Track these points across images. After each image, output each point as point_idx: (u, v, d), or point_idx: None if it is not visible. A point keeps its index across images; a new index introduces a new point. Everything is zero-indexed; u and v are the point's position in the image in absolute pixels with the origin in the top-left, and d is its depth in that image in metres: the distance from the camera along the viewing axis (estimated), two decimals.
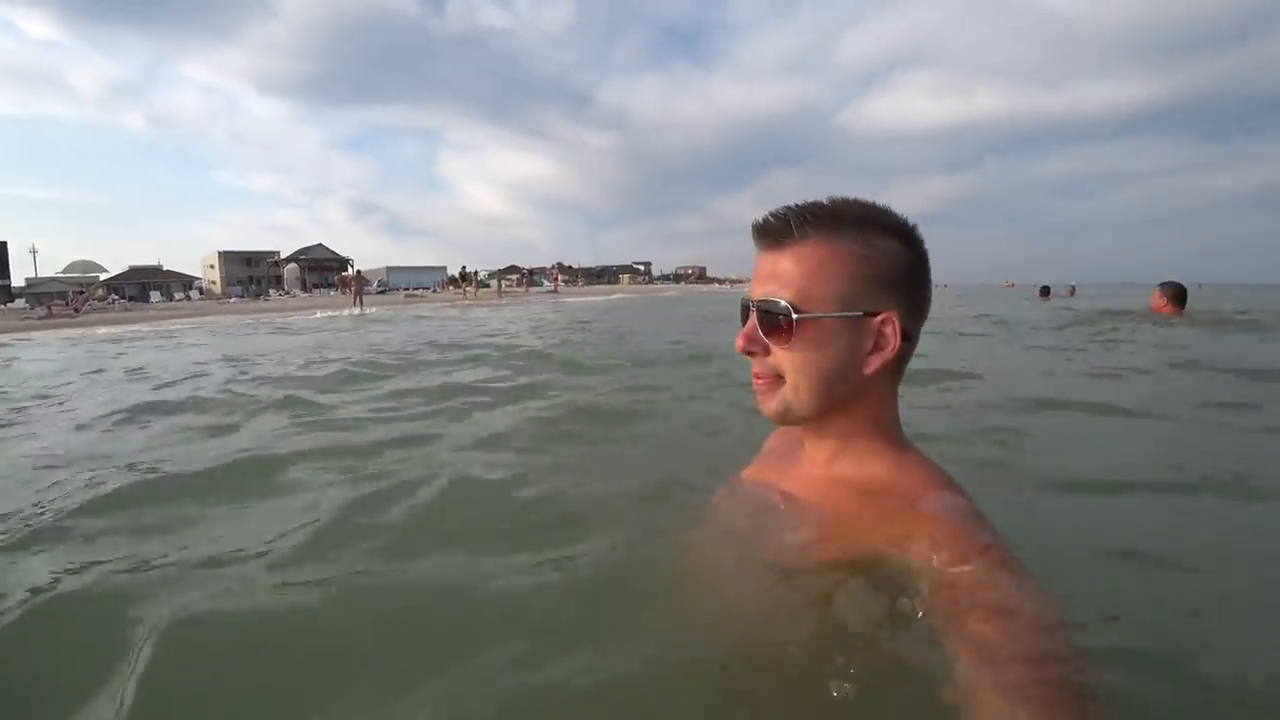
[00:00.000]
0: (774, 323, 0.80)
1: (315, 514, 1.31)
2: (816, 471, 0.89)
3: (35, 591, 1.00)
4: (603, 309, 14.49)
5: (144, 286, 49.31)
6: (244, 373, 4.00)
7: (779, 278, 0.80)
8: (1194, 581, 1.08)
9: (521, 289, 31.05)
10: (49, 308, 21.26)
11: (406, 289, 47.47)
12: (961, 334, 5.93)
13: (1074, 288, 19.44)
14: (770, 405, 0.84)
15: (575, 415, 2.38)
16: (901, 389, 0.87)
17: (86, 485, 1.54)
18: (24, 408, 3.00)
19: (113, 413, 2.62)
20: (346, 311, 15.77)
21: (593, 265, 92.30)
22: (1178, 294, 5.85)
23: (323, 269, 62.07)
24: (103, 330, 11.21)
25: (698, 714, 0.73)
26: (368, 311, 15.55)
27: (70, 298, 26.19)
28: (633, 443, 2.06)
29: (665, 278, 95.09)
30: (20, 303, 31.91)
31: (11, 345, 8.30)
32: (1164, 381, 3.21)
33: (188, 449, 2.05)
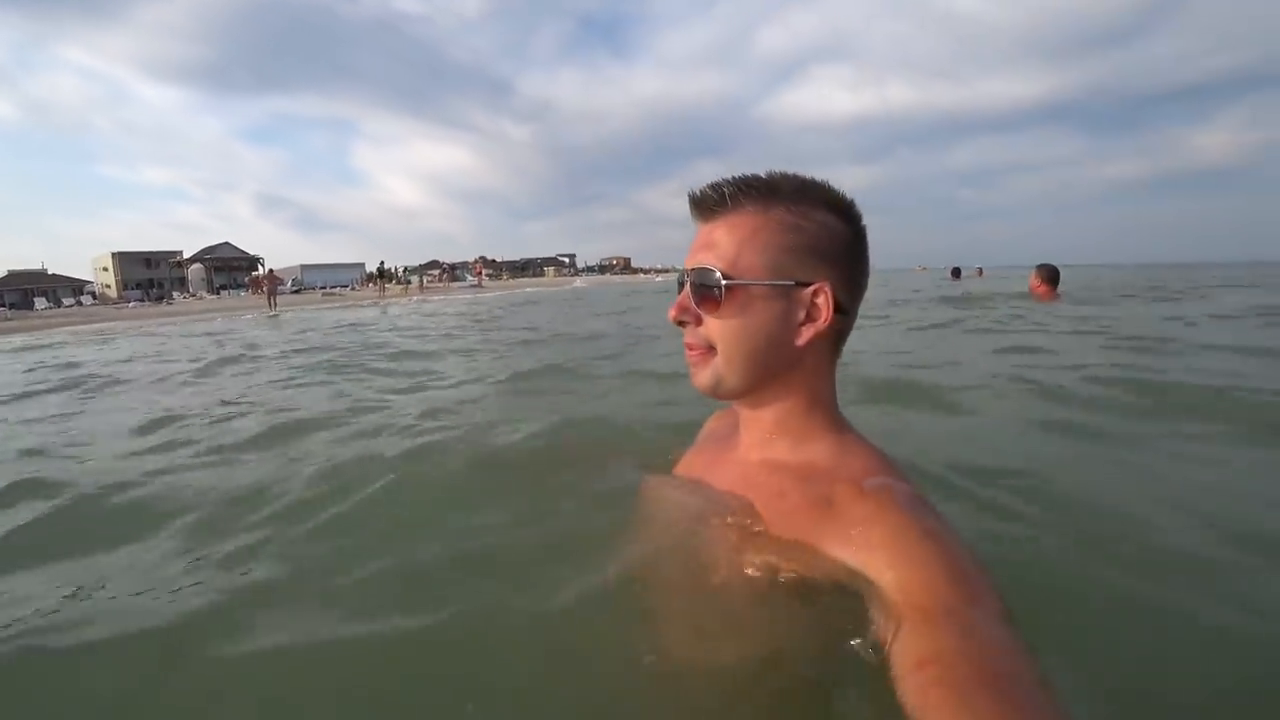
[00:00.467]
0: (706, 292, 0.80)
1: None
2: (752, 455, 0.88)
3: None
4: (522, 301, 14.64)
5: (26, 293, 45.69)
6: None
7: (712, 247, 0.81)
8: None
9: (442, 285, 30.65)
10: None
11: (323, 287, 45.88)
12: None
13: (981, 269, 21.05)
14: (702, 377, 0.84)
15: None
16: None
17: None
18: None
19: None
20: (249, 317, 15.44)
21: (516, 258, 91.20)
22: (1051, 275, 6.59)
23: (231, 269, 58.88)
24: None
25: None
26: (283, 315, 15.30)
27: None
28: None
29: (590, 269, 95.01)
30: None
31: None
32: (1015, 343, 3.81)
33: None
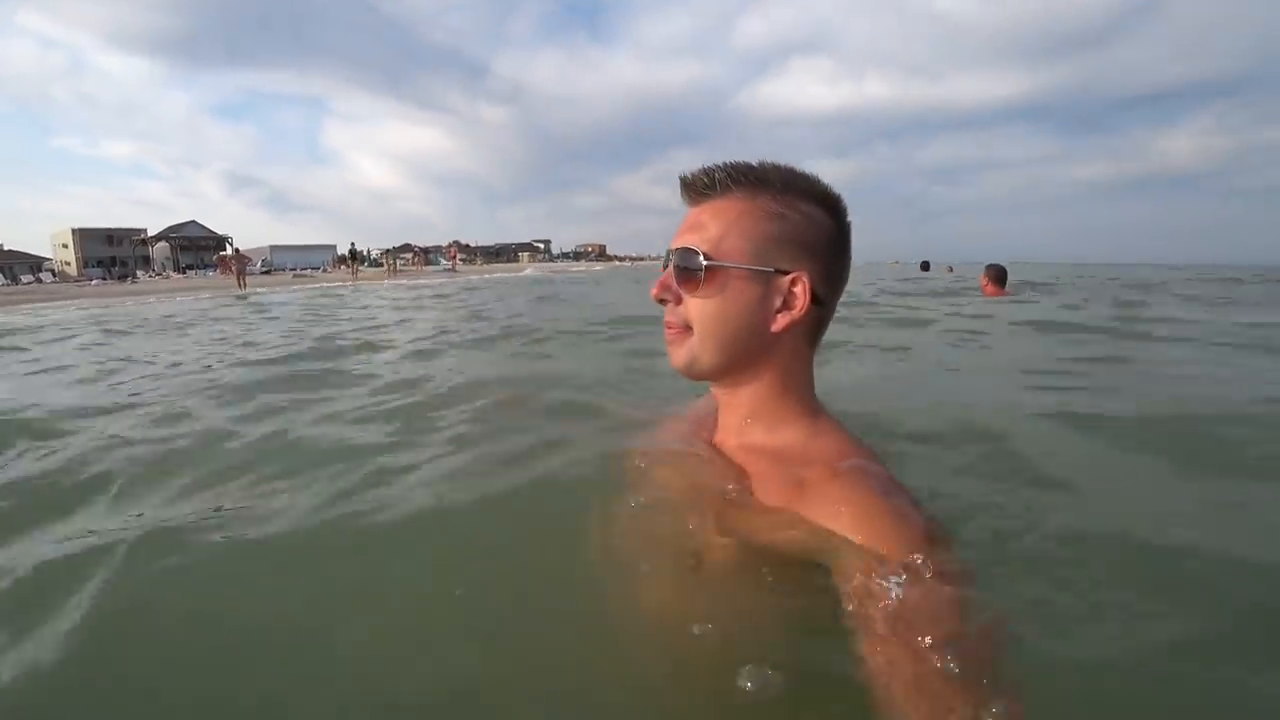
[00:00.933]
0: (687, 273, 0.82)
1: None
2: (729, 440, 0.91)
3: None
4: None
5: None
6: None
7: (698, 229, 0.83)
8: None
9: (416, 268, 30.46)
10: None
11: (293, 269, 45.15)
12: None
13: (951, 267, 21.51)
14: (678, 355, 0.86)
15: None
16: None
17: None
18: None
19: None
20: (207, 297, 15.31)
21: (491, 243, 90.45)
22: (998, 275, 6.97)
23: (198, 248, 57.54)
24: None
25: (617, 702, 0.71)
26: (251, 294, 15.20)
27: None
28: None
29: (565, 255, 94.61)
30: None
31: None
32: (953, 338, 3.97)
33: None
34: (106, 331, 5.07)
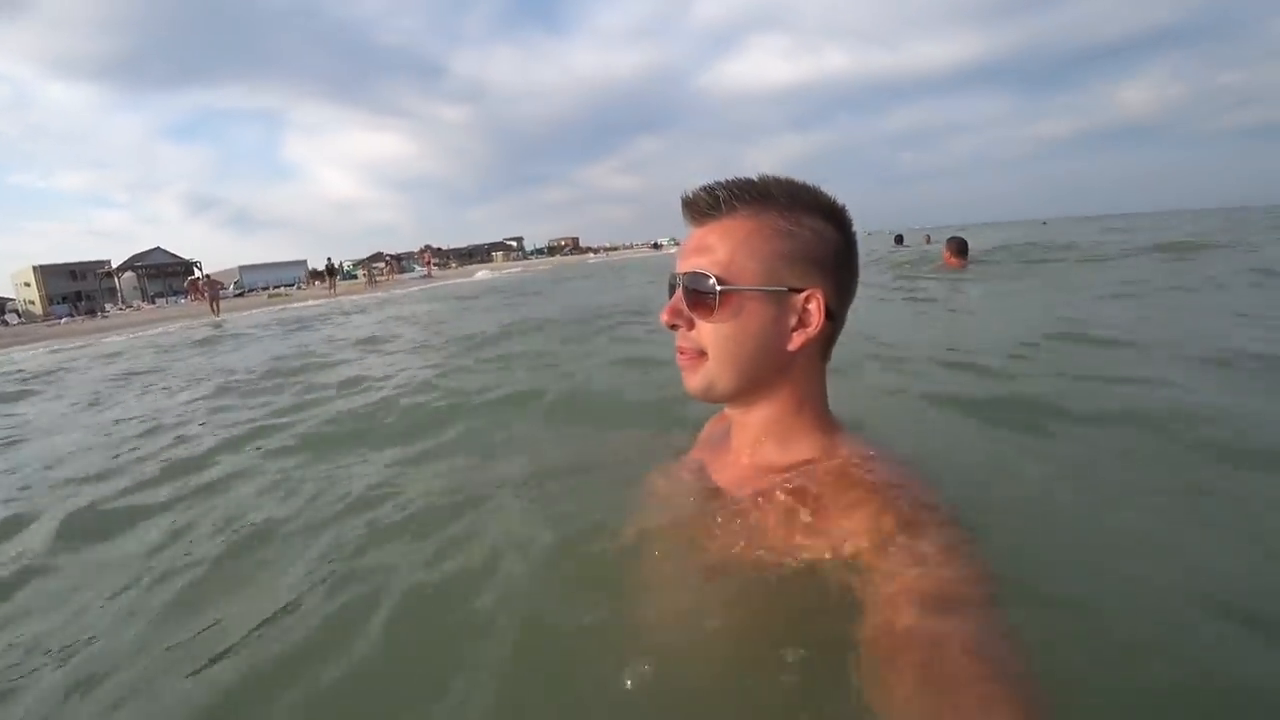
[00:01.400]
0: (699, 296, 0.81)
1: None
2: (744, 459, 0.90)
3: None
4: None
5: None
6: None
7: (706, 251, 0.81)
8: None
9: (388, 277, 30.19)
10: None
11: (266, 288, 44.55)
12: None
13: (929, 236, 20.76)
14: (694, 381, 0.85)
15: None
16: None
17: None
18: None
19: None
20: (177, 327, 15.12)
21: (463, 245, 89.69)
22: (959, 247, 7.18)
23: (166, 275, 56.43)
24: None
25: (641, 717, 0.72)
26: (224, 319, 15.02)
27: None
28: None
29: (539, 251, 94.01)
30: None
31: None
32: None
33: None
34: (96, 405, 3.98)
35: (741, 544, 0.80)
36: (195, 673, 0.93)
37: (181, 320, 16.42)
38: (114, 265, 57.06)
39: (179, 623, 1.09)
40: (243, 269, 63.52)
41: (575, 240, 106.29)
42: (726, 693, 0.72)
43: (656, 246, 78.21)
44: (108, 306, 42.37)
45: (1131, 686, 0.72)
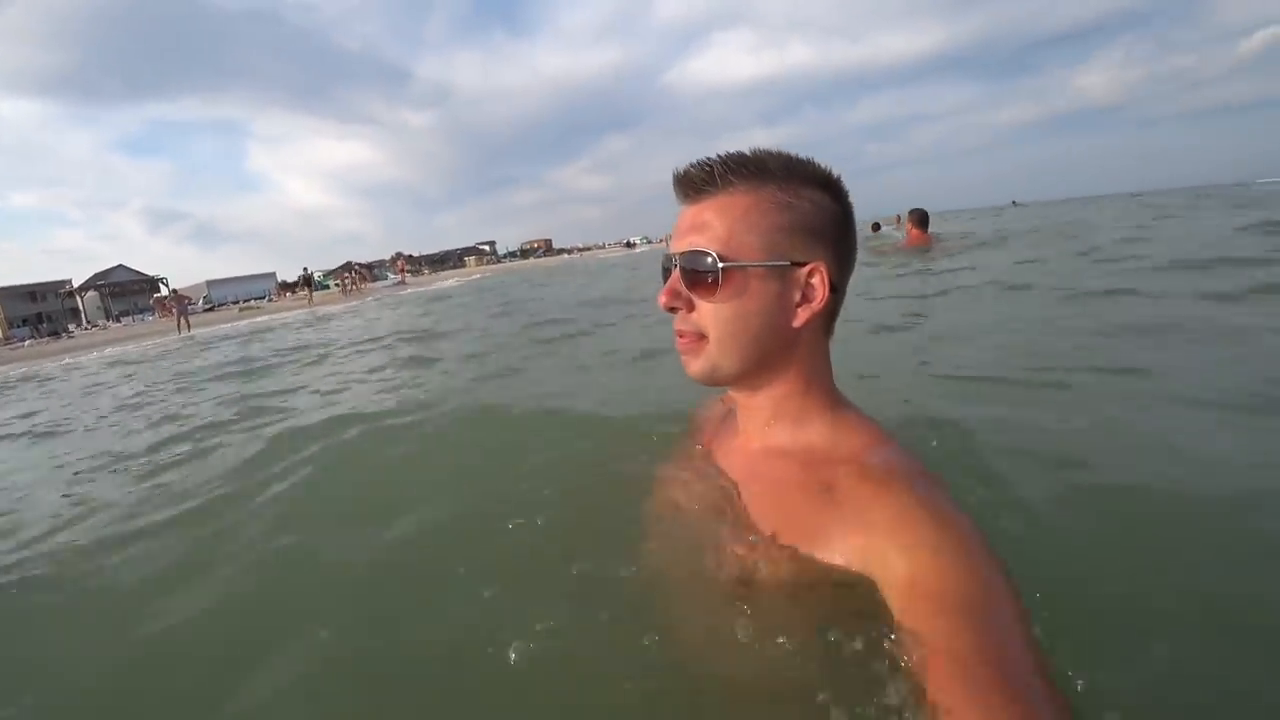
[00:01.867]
0: (699, 276, 0.78)
1: None
2: (753, 443, 0.87)
3: None
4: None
5: None
6: None
7: (703, 229, 0.78)
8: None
9: (358, 286, 29.86)
10: None
11: (236, 302, 43.77)
12: None
13: (900, 216, 21.34)
14: (696, 365, 0.82)
15: None
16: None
17: None
18: None
19: None
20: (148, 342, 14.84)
21: (434, 251, 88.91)
22: (921, 219, 7.40)
23: (129, 293, 55.17)
24: None
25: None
26: (195, 334, 14.78)
27: None
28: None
29: (511, 254, 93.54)
30: None
31: None
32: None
33: None
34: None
35: (759, 543, 0.77)
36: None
37: (150, 338, 16.11)
38: (75, 285, 55.61)
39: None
40: (210, 283, 62.26)
41: (548, 242, 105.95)
42: (747, 698, 0.71)
43: (629, 245, 78.61)
44: (71, 327, 41.29)
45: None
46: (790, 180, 0.78)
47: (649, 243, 79.48)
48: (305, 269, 25.94)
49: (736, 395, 0.88)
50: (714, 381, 0.83)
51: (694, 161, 0.80)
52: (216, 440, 2.47)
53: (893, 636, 0.62)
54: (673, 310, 0.82)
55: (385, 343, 5.47)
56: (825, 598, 0.70)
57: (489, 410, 2.21)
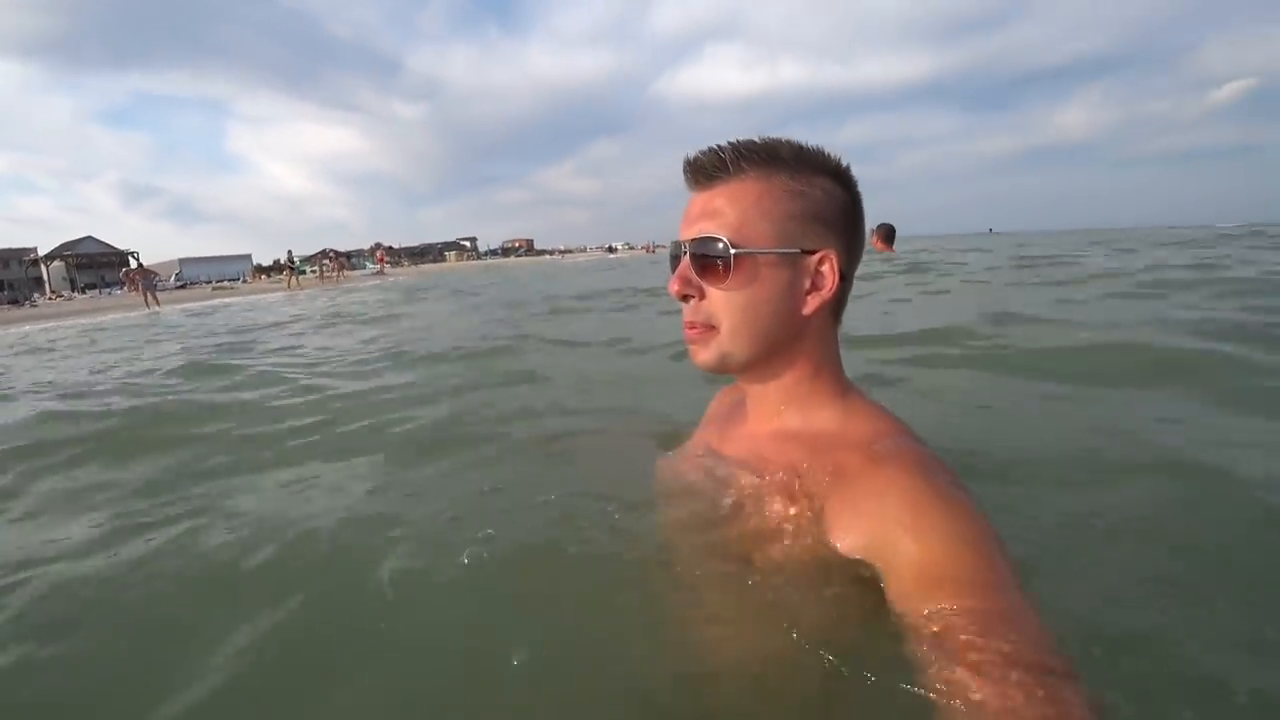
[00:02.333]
0: (710, 262, 0.77)
1: None
2: (762, 428, 0.87)
3: None
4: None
5: None
6: None
7: (714, 215, 0.78)
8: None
9: (336, 275, 29.62)
10: None
11: (209, 281, 43.06)
12: None
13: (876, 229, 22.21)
14: (705, 355, 0.81)
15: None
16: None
17: None
18: None
19: None
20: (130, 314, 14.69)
21: (415, 244, 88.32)
22: (888, 233, 7.80)
23: (98, 266, 53.81)
24: None
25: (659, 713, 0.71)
26: (163, 310, 14.63)
27: None
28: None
29: (493, 252, 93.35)
30: None
31: None
32: None
33: None
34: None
35: (765, 533, 0.77)
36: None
37: (116, 311, 15.89)
38: (41, 253, 54.18)
39: None
40: (183, 261, 61.13)
41: (530, 242, 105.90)
42: (757, 691, 0.71)
43: (611, 250, 79.85)
44: (35, 296, 40.24)
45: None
46: (802, 168, 0.78)
47: (631, 248, 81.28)
48: (289, 253, 25.66)
49: (746, 383, 0.88)
50: (723, 370, 0.83)
51: (705, 147, 0.79)
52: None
53: (905, 620, 0.62)
54: (685, 299, 0.81)
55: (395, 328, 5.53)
56: (834, 581, 0.70)
57: (489, 406, 2.24)
